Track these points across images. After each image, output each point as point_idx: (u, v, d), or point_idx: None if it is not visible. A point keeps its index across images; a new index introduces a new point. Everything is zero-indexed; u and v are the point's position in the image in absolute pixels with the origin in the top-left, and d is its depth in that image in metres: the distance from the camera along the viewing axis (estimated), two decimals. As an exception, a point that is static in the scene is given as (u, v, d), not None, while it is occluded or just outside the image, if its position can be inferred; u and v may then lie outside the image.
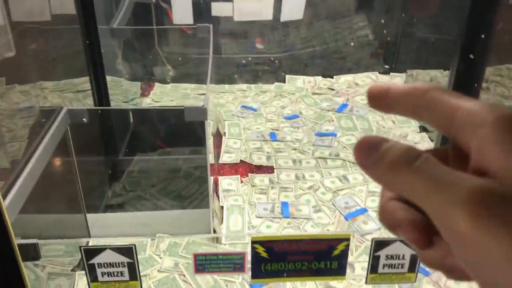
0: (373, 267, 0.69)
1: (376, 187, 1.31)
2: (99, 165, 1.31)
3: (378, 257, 0.68)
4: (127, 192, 1.29)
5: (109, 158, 1.35)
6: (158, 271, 1.05)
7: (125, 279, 0.67)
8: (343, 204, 1.26)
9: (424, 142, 1.52)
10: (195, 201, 1.25)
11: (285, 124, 1.61)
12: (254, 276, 0.69)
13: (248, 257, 0.68)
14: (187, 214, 1.16)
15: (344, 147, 1.50)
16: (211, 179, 1.08)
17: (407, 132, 1.57)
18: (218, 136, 1.52)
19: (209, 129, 1.12)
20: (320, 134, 1.56)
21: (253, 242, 0.67)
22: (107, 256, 0.65)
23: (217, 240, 1.13)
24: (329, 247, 0.67)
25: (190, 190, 1.29)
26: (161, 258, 1.08)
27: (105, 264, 0.65)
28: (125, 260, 0.66)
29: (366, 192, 1.30)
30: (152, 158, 1.40)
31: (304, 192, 1.30)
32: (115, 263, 0.66)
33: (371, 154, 0.23)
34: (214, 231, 1.12)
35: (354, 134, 1.56)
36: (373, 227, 1.18)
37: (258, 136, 1.54)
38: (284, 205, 1.24)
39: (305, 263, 0.68)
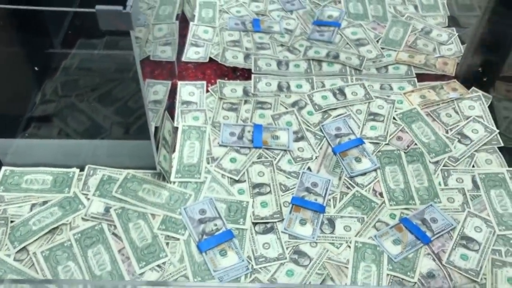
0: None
1: (380, 107, 1.02)
2: (19, 61, 1.01)
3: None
4: (59, 98, 1.00)
5: (37, 51, 1.03)
6: (83, 218, 0.82)
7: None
8: (334, 130, 0.98)
9: (452, 43, 1.17)
10: (144, 117, 0.97)
11: (275, 6, 1.24)
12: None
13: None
14: (126, 144, 0.89)
15: (348, 44, 1.16)
16: (147, 98, 0.80)
17: (432, 26, 1.21)
18: (184, 21, 1.17)
19: (140, 40, 0.79)
20: (320, 23, 1.21)
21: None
22: None
23: (163, 177, 0.88)
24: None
25: (140, 100, 1.00)
26: (88, 199, 0.85)
27: None
28: None
29: (366, 113, 1.01)
30: (96, 53, 1.08)
31: (286, 110, 1.01)
32: None
33: None
34: (162, 167, 0.87)
35: (363, 25, 1.21)
36: (367, 167, 0.91)
37: (237, 23, 1.19)
38: (257, 129, 0.96)
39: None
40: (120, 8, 0.64)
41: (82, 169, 0.88)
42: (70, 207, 0.83)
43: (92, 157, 0.89)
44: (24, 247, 0.79)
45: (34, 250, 0.78)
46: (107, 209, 0.83)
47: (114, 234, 0.81)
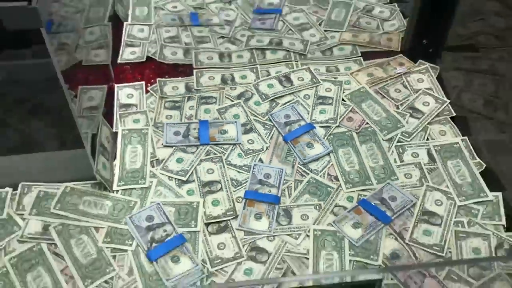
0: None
1: (327, 90, 0.99)
2: None
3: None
4: (-14, 115, 0.93)
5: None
6: (19, 240, 0.75)
7: None
8: (283, 118, 0.94)
9: (394, 19, 1.15)
10: (80, 124, 0.90)
11: (213, -1, 1.20)
12: None
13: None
14: (62, 156, 0.83)
15: (290, 30, 1.12)
16: (75, 106, 0.74)
17: (373, 4, 1.19)
18: (118, 22, 1.11)
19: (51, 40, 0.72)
20: (260, 11, 1.17)
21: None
22: None
23: (105, 187, 0.82)
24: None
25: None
26: (24, 219, 0.78)
27: None
28: None
29: (315, 98, 0.97)
30: (25, 63, 1.01)
31: (233, 103, 0.96)
32: None
33: None
34: (102, 176, 0.80)
35: (305, 9, 1.18)
36: (319, 151, 0.88)
37: (174, 19, 1.13)
38: (203, 125, 0.91)
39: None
40: (24, 3, 0.58)
41: (15, 188, 0.81)
42: (3, 230, 0.76)
43: (25, 174, 0.82)
44: (-45, 280, 0.71)
45: (-34, 282, 0.71)
46: (45, 228, 0.76)
47: (55, 253, 0.74)
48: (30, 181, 0.82)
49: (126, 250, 0.75)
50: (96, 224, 0.77)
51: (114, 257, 0.74)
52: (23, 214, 0.78)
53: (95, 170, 0.79)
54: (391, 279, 0.72)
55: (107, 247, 0.75)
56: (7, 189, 0.81)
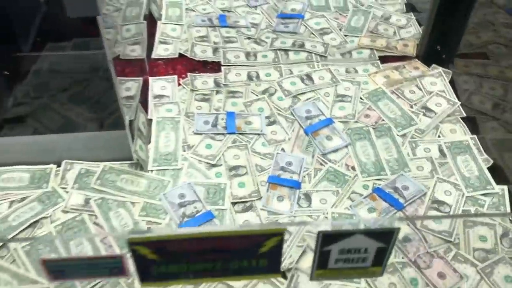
0: (322, 263, 0.47)
1: (346, 89, 1.06)
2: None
3: (329, 251, 0.46)
4: (32, 99, 1.01)
5: (3, 53, 1.04)
6: (63, 211, 0.83)
7: None
8: (304, 113, 1.01)
9: (410, 26, 1.22)
10: (117, 111, 0.98)
11: (240, 3, 1.28)
12: (143, 279, 0.46)
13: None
14: (101, 137, 0.91)
15: (312, 33, 1.20)
16: (120, 91, 0.81)
17: (391, 12, 1.26)
18: (151, 21, 1.19)
19: (106, 31, 0.80)
20: (284, 16, 1.25)
21: (132, 244, 0.43)
22: None
23: (141, 167, 0.89)
24: (252, 244, 0.44)
25: (111, 96, 1.01)
26: (67, 192, 0.85)
27: None
28: None
29: (334, 96, 1.04)
30: (67, 54, 1.10)
31: (257, 97, 1.04)
32: None
33: None
34: (139, 156, 0.88)
35: (326, 15, 1.25)
36: (338, 144, 0.95)
37: (204, 20, 1.22)
38: (230, 116, 0.98)
39: (218, 263, 0.45)
40: (88, -8, 0.66)
41: (59, 165, 0.89)
42: (49, 201, 0.83)
43: (68, 152, 0.89)
44: (4, 244, 0.79)
45: (15, 246, 0.78)
46: (86, 201, 0.84)
47: (95, 223, 0.81)
48: (73, 159, 0.89)
49: (160, 223, 0.82)
50: (132, 199, 0.84)
51: (149, 229, 0.81)
52: (66, 188, 0.86)
53: (133, 150, 0.86)
54: (402, 258, 0.78)
55: (142, 220, 0.82)
56: (51, 165, 0.89)
